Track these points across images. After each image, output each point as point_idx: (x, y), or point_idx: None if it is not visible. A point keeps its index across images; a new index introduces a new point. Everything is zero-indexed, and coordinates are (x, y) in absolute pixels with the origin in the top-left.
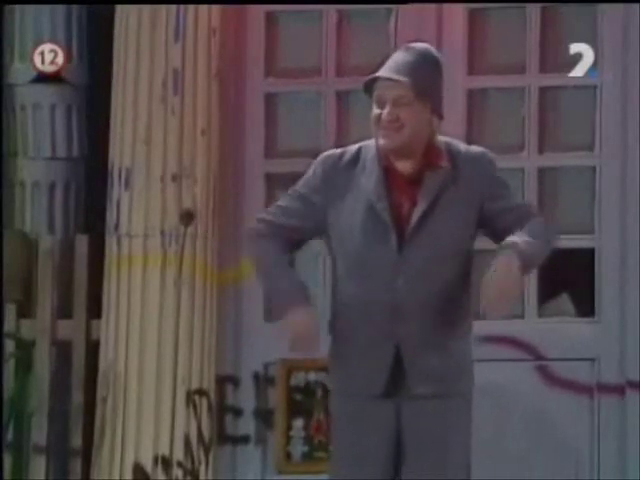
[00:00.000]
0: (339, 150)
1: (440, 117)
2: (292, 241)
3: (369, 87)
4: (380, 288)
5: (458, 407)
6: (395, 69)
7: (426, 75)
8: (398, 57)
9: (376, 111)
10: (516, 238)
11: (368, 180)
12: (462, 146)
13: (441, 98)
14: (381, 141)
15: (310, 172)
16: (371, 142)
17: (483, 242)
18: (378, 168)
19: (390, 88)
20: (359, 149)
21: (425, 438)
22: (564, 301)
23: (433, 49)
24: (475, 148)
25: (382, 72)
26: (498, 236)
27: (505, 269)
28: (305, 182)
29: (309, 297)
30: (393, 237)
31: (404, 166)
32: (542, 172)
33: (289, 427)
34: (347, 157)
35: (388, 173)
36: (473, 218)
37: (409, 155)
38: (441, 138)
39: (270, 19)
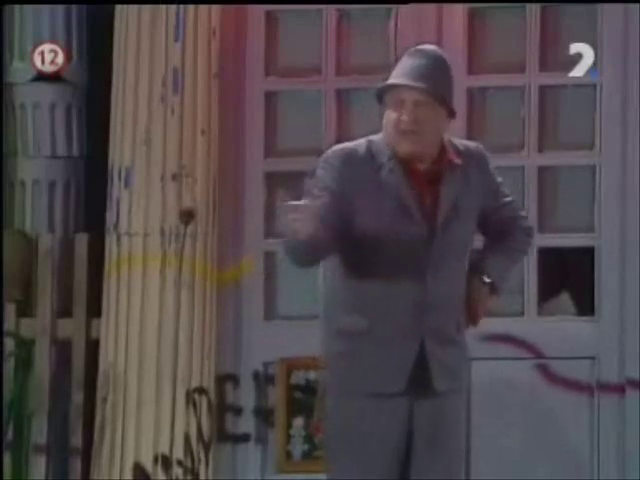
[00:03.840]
0: (350, 144)
1: (453, 117)
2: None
3: (382, 92)
4: (409, 282)
5: (463, 401)
6: (413, 75)
7: (441, 79)
8: (413, 62)
9: (393, 115)
10: (491, 261)
11: (389, 178)
12: (459, 142)
13: (453, 99)
14: (402, 146)
15: (323, 169)
16: (378, 138)
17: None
18: (398, 167)
19: (410, 92)
20: (369, 144)
21: (439, 432)
22: (564, 300)
23: (442, 51)
24: (471, 143)
25: (400, 79)
26: (488, 234)
27: (477, 298)
28: (321, 179)
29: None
30: (423, 233)
31: (421, 165)
32: (542, 171)
33: (289, 426)
34: (361, 152)
35: (408, 171)
36: (477, 214)
37: (426, 158)
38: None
39: (270, 18)
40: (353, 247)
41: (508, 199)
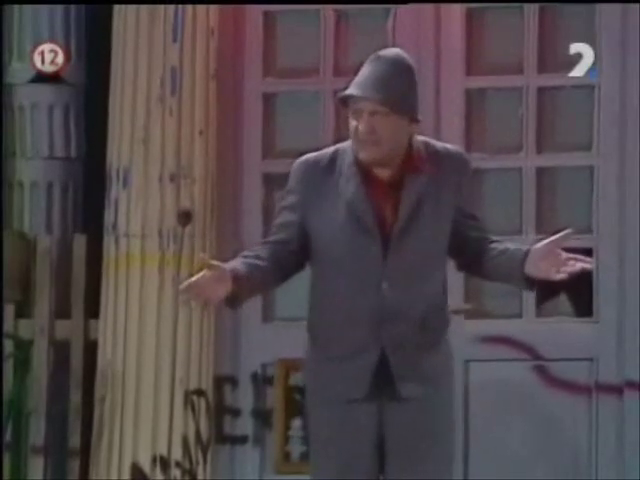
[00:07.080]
0: (314, 154)
1: (417, 122)
2: (289, 259)
3: (344, 100)
4: (365, 292)
5: (442, 406)
6: (369, 84)
7: (400, 86)
8: (372, 69)
9: (353, 123)
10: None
11: (347, 185)
12: (439, 145)
13: (417, 103)
14: (361, 154)
15: (290, 181)
16: (347, 145)
17: None
18: (357, 173)
19: (365, 102)
20: (335, 152)
21: (410, 438)
22: (562, 301)
23: (404, 54)
24: (453, 147)
25: (356, 89)
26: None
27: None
28: (287, 192)
29: (240, 272)
30: (377, 242)
31: (383, 173)
32: (540, 172)
33: (287, 427)
34: (324, 161)
35: (368, 178)
36: (452, 218)
37: (388, 164)
38: (419, 138)
39: (268, 19)
40: (315, 258)
41: (477, 213)
